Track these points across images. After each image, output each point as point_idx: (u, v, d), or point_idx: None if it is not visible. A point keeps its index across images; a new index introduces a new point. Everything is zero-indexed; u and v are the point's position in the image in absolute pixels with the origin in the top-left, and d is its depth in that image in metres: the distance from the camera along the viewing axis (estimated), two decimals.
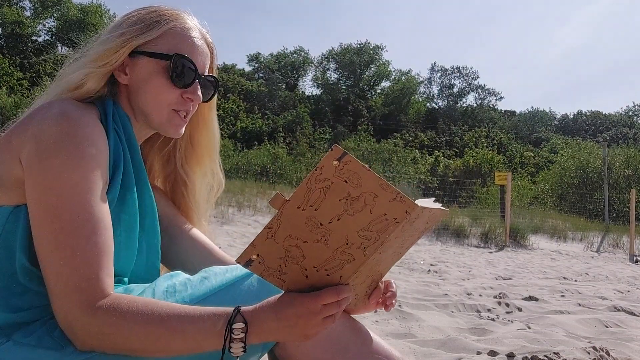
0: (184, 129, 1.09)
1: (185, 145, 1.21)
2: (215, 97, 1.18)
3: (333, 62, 50.06)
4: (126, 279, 1.04)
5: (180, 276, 0.99)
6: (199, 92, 1.07)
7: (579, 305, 3.44)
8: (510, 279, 5.22)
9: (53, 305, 0.85)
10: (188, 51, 1.05)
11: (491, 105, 52.16)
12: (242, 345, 0.81)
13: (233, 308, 0.83)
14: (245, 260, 0.80)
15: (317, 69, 50.65)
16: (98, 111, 1.00)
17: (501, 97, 67.22)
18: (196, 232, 1.22)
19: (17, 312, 0.91)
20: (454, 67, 51.96)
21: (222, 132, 32.64)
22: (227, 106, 36.43)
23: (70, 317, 0.82)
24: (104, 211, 0.89)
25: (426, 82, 52.04)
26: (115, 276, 0.94)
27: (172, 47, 1.03)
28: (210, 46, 1.13)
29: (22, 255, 0.90)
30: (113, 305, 0.82)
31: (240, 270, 0.98)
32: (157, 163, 1.25)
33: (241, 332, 0.81)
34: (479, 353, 1.99)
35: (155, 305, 0.84)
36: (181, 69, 1.03)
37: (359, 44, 49.56)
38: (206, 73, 1.11)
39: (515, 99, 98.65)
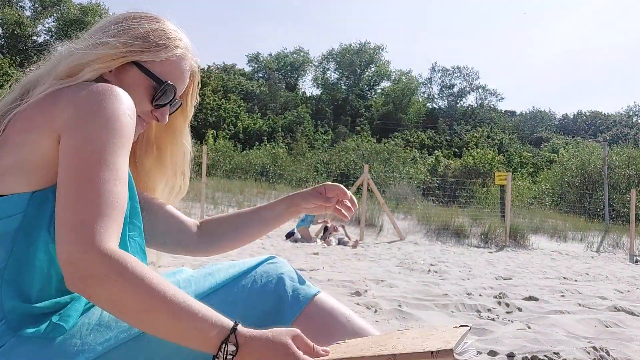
0: (136, 136, 1.13)
1: (148, 146, 1.24)
2: (191, 113, 1.24)
3: (333, 62, 50.09)
4: None
5: (184, 273, 1.00)
6: (167, 115, 1.14)
7: (579, 305, 3.44)
8: (510, 279, 5.22)
9: (57, 249, 0.82)
10: (176, 80, 1.11)
11: (491, 106, 52.22)
12: None
13: (232, 324, 0.83)
14: None
15: (317, 69, 50.70)
16: None
17: (502, 98, 67.31)
18: (170, 207, 1.28)
19: (29, 302, 0.90)
20: (455, 67, 52.04)
21: (223, 132, 32.86)
22: (227, 106, 36.43)
23: (74, 257, 0.79)
24: (125, 170, 0.90)
25: (426, 82, 52.13)
26: None
27: (165, 73, 1.09)
28: (194, 74, 1.20)
29: (47, 234, 0.90)
30: (124, 256, 0.80)
31: (242, 265, 0.99)
32: None
33: (229, 355, 0.82)
34: (479, 353, 1.99)
35: (164, 281, 0.83)
36: (164, 94, 1.09)
37: (359, 44, 49.60)
38: (177, 96, 1.17)
39: (516, 99, 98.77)
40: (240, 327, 0.84)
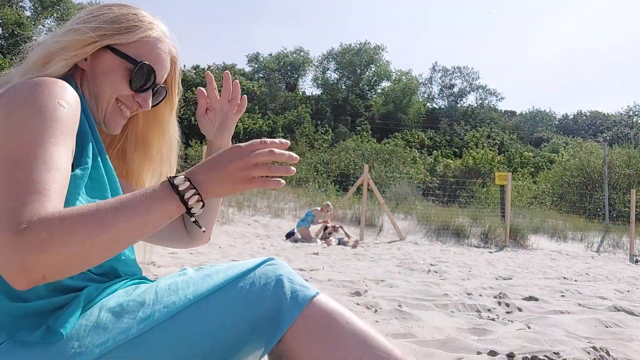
0: (119, 128, 1.14)
1: (136, 142, 1.25)
2: (176, 101, 1.24)
3: (333, 62, 50.08)
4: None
5: (182, 275, 1.00)
6: (149, 101, 1.13)
7: (579, 305, 3.44)
8: (510, 279, 5.22)
9: None
10: (153, 62, 1.11)
11: (492, 106, 52.20)
12: (197, 196, 0.87)
13: (166, 179, 0.88)
14: None
15: (317, 69, 50.69)
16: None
17: (502, 98, 67.26)
18: None
19: (17, 300, 0.89)
20: (455, 67, 52.04)
21: None
22: None
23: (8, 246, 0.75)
24: (60, 159, 0.86)
25: (427, 82, 52.12)
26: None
27: (141, 54, 1.09)
28: (174, 60, 1.19)
29: None
30: (43, 215, 0.77)
31: (240, 267, 0.98)
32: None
33: (189, 188, 0.87)
34: (479, 353, 1.99)
35: (89, 204, 0.81)
36: (141, 75, 1.09)
37: (359, 44, 49.58)
38: (161, 83, 1.16)
39: (516, 99, 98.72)
40: (177, 175, 0.89)
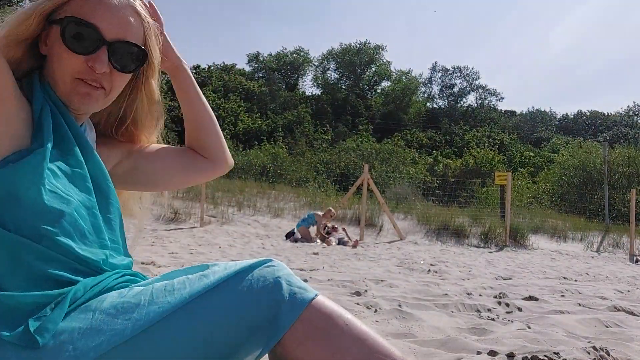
0: (97, 101, 1.05)
1: (129, 124, 1.24)
2: (157, 71, 1.16)
3: (333, 62, 50.07)
4: (107, 252, 1.01)
5: (179, 277, 0.99)
6: (104, 59, 1.01)
7: (579, 305, 3.44)
8: (510, 279, 5.22)
9: None
10: (90, 14, 1.00)
11: (492, 106, 52.19)
12: None
13: None
14: None
15: (317, 69, 50.68)
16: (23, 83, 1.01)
17: (502, 98, 67.27)
18: (156, 145, 1.31)
19: None
20: (455, 67, 52.02)
21: (223, 133, 32.72)
22: (227, 106, 36.43)
23: None
24: None
25: (427, 81, 52.12)
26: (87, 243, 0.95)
27: (74, 12, 1.00)
28: (139, 14, 1.07)
29: None
30: None
31: (239, 267, 0.97)
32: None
33: None
34: (479, 353, 1.98)
35: None
36: (76, 33, 0.99)
37: (359, 44, 49.57)
38: (128, 40, 1.05)
39: (516, 99, 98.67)
40: None
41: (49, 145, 0.95)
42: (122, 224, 1.08)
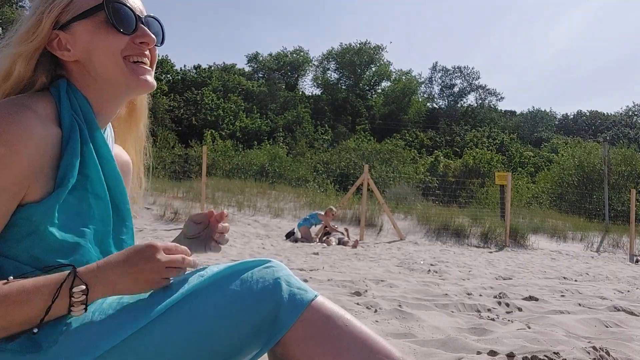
0: (152, 78, 1.05)
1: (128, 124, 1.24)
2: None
3: (333, 62, 50.08)
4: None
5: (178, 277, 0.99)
6: (150, 33, 1.03)
7: (579, 305, 3.44)
8: (510, 279, 5.22)
9: None
10: None
11: (492, 106, 52.20)
12: (83, 306, 0.86)
13: (71, 269, 0.87)
14: None
15: (317, 69, 50.69)
16: (52, 97, 0.98)
17: (502, 98, 67.28)
18: None
19: None
20: (455, 67, 52.03)
21: (222, 133, 32.84)
22: (227, 106, 36.42)
23: None
24: None
25: (427, 81, 52.14)
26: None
27: (84, 5, 0.99)
28: None
29: None
30: None
31: (237, 266, 0.97)
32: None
33: (82, 295, 0.85)
34: (479, 353, 1.98)
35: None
36: (118, 13, 0.99)
37: (359, 44, 49.58)
38: (146, 13, 1.06)
39: (516, 99, 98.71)
40: (85, 267, 0.87)
41: (72, 180, 0.94)
42: (132, 243, 1.08)
